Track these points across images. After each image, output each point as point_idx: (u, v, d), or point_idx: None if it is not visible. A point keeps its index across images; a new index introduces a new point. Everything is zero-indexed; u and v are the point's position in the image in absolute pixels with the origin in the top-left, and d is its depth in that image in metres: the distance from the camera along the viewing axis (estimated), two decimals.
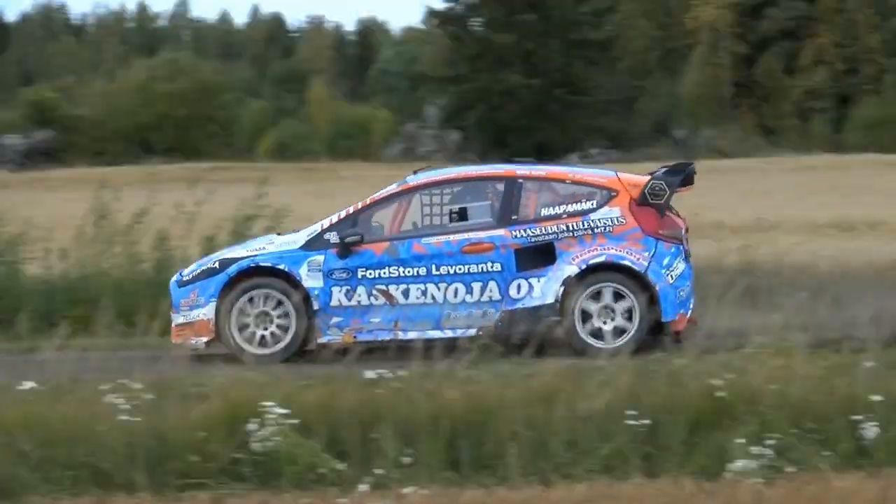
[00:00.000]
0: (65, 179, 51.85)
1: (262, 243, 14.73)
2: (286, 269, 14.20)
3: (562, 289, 14.04)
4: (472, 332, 14.00)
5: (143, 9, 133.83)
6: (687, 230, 14.60)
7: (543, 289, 14.15)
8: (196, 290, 14.30)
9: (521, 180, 14.50)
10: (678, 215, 14.58)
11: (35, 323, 13.83)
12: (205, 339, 14.23)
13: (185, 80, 75.77)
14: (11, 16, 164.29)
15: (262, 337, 14.15)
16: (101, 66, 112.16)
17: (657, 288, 14.00)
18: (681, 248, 14.23)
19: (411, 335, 13.91)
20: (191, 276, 14.42)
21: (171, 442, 9.13)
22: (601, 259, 14.10)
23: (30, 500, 8.81)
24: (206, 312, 14.20)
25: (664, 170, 14.80)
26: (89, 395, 9.64)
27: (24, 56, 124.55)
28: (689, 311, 14.11)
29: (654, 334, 13.89)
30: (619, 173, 14.79)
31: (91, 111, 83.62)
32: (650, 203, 14.26)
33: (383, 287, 14.27)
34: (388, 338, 14.06)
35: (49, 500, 8.83)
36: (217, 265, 14.35)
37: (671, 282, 14.08)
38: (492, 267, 14.24)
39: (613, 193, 14.37)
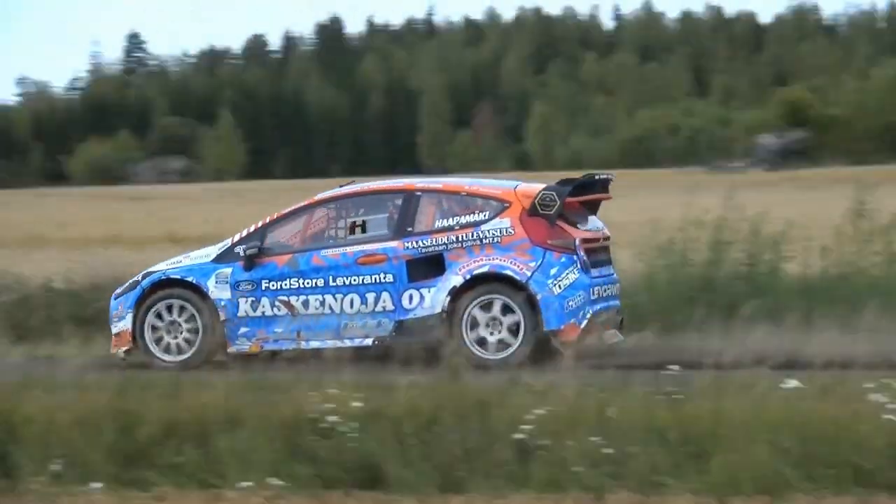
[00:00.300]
0: (819, 178, 52.00)
1: (181, 256, 15.37)
2: (194, 281, 14.77)
3: (448, 299, 14.13)
4: (369, 342, 14.36)
5: (893, 8, 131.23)
6: (606, 239, 14.83)
7: (433, 299, 14.25)
8: (122, 303, 14.97)
9: (418, 193, 14.67)
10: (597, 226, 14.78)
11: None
12: (124, 349, 14.86)
13: None
14: (766, 17, 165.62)
15: (176, 345, 14.77)
16: (852, 65, 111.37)
17: (538, 297, 13.96)
18: (573, 257, 14.15)
19: (313, 344, 14.37)
20: (121, 289, 15.13)
21: None
22: (485, 269, 14.15)
23: (793, 497, 8.84)
24: (126, 323, 14.84)
25: (559, 181, 14.75)
26: (853, 393, 9.56)
27: (778, 56, 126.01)
28: (584, 321, 14.05)
29: (544, 344, 13.88)
30: (519, 185, 14.75)
31: (842, 111, 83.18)
32: (540, 213, 14.20)
33: (285, 298, 14.62)
34: (291, 347, 14.53)
35: (811, 499, 8.82)
36: (140, 278, 15.04)
37: (557, 291, 14.00)
38: (384, 278, 14.42)
39: (506, 204, 14.39)
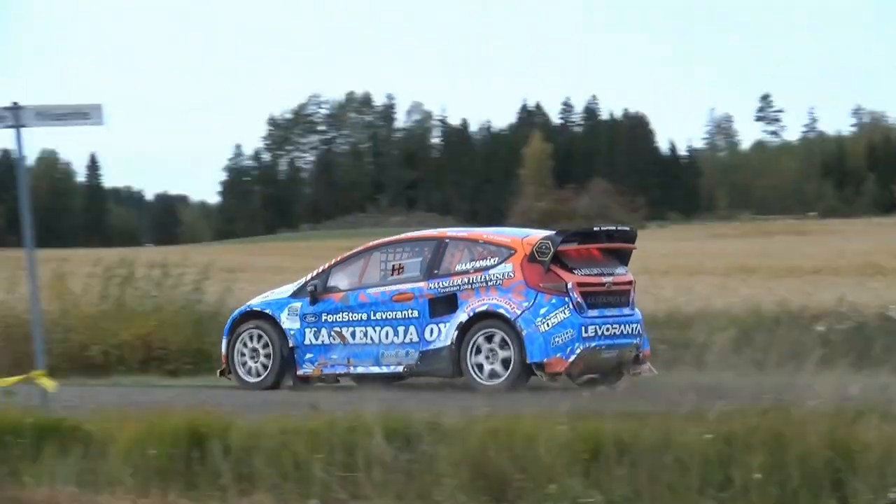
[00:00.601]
0: None
1: (269, 292, 17.90)
2: (270, 313, 17.34)
3: (455, 333, 16.41)
4: (400, 369, 16.75)
5: None
6: (626, 284, 16.78)
7: (447, 332, 16.50)
8: (223, 330, 17.75)
9: (447, 241, 17.01)
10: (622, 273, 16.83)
11: None
12: (220, 370, 17.65)
13: None
14: None
15: (255, 369, 17.31)
16: None
17: (524, 333, 16.01)
18: (565, 299, 16.11)
19: (359, 370, 16.94)
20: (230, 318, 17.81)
21: None
22: (485, 308, 16.38)
23: None
24: (224, 347, 17.53)
25: (557, 231, 16.89)
26: None
27: None
28: (572, 356, 15.96)
29: (530, 374, 16.09)
30: (529, 234, 16.84)
31: None
32: (537, 260, 16.22)
33: (338, 329, 17.09)
34: (343, 371, 17.03)
35: None
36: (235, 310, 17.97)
37: (544, 329, 16.01)
38: (412, 314, 16.74)
39: (513, 251, 16.50)
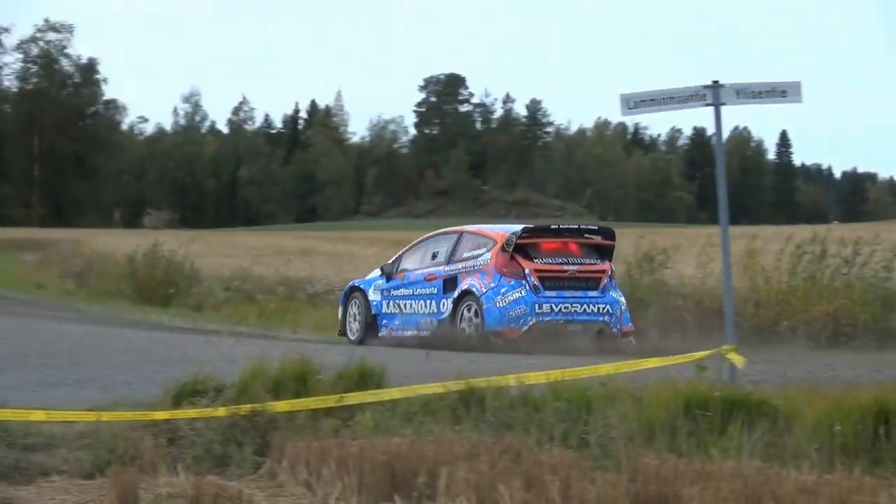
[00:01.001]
0: None
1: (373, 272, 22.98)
2: (363, 288, 22.35)
3: (452, 306, 20.67)
4: (427, 333, 20.76)
5: None
6: (603, 272, 20.43)
7: (447, 305, 20.76)
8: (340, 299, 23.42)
9: (464, 234, 21.44)
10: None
11: None
12: (339, 331, 22.81)
13: None
14: None
15: (354, 329, 22.29)
16: None
17: (484, 307, 20.09)
18: (522, 282, 19.99)
19: (408, 334, 21.23)
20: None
21: None
22: (465, 287, 20.53)
23: None
24: (340, 313, 22.95)
25: (523, 227, 20.84)
26: None
27: None
28: (525, 327, 19.84)
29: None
30: (509, 229, 20.80)
31: None
32: (505, 250, 20.22)
33: (398, 301, 21.68)
34: (401, 335, 21.37)
35: None
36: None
37: (501, 305, 19.96)
38: (434, 291, 21.07)
39: (494, 243, 20.54)
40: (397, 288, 21.78)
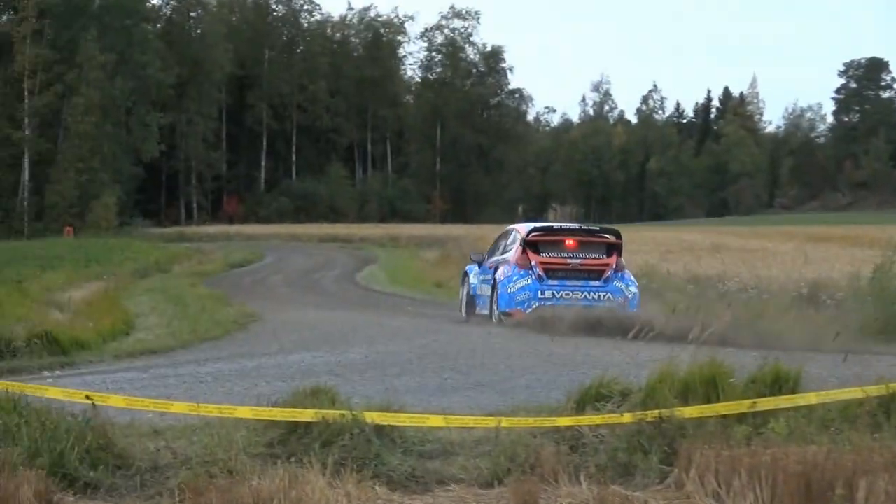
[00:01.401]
0: None
1: None
2: (467, 272, 27.19)
3: (491, 291, 24.92)
4: (486, 312, 25.07)
5: None
6: (607, 265, 24.04)
7: (490, 289, 25.02)
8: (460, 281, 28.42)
9: (513, 231, 26.02)
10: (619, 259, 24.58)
11: None
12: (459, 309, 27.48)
13: None
14: None
15: (464, 307, 26.91)
16: None
17: (498, 292, 24.33)
18: (529, 272, 24.00)
19: (484, 312, 25.24)
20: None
21: None
22: (497, 276, 24.66)
23: None
24: (460, 294, 27.89)
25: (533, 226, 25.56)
26: None
27: None
28: (529, 309, 23.56)
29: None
30: (530, 227, 25.40)
31: None
32: (521, 245, 24.46)
33: (481, 286, 26.00)
34: (486, 313, 25.12)
35: None
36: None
37: (511, 290, 23.99)
38: (490, 278, 25.30)
39: (520, 237, 24.84)
40: (482, 274, 26.05)
